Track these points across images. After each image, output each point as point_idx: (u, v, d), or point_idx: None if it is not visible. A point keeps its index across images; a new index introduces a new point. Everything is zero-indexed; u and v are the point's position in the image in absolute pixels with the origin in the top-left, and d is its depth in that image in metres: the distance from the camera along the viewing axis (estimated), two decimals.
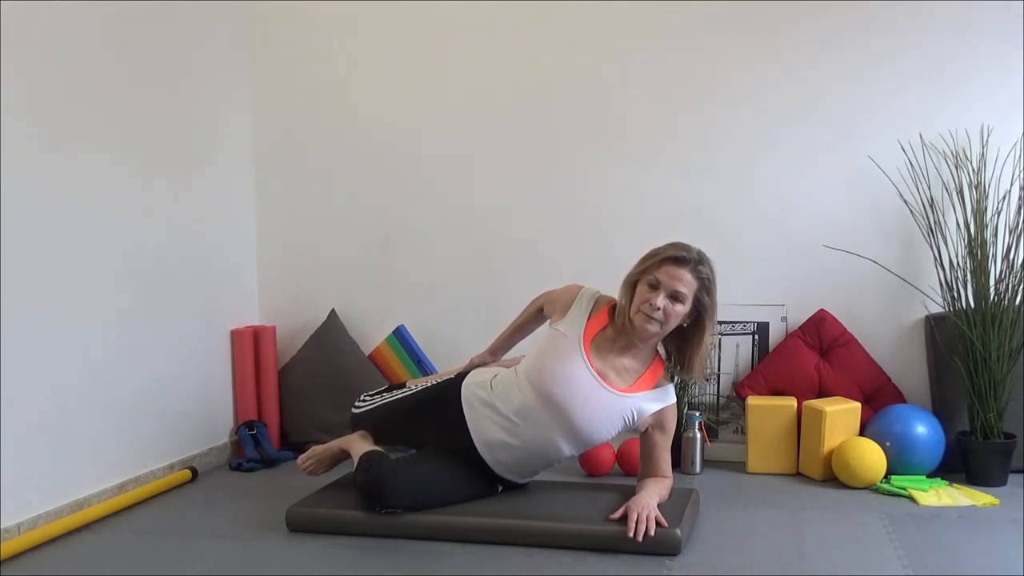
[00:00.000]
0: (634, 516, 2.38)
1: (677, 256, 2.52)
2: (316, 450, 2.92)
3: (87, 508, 2.74)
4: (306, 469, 2.90)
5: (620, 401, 2.56)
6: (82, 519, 2.67)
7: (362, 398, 2.91)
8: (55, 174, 2.69)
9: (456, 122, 3.60)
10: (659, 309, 2.50)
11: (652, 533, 2.35)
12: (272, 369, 3.61)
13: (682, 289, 2.51)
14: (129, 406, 2.98)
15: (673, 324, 2.55)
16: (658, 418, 2.62)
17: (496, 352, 2.93)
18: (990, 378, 3.01)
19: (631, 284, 2.59)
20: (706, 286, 2.54)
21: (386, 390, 2.90)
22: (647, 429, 2.63)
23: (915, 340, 3.32)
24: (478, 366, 2.85)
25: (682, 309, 2.53)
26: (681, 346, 2.64)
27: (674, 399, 2.66)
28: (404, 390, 2.84)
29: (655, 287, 2.51)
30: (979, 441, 3.03)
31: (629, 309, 2.56)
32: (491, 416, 2.59)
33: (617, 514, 2.43)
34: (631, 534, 2.35)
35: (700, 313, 2.56)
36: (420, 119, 3.62)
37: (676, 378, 2.80)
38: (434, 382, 2.82)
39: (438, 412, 2.69)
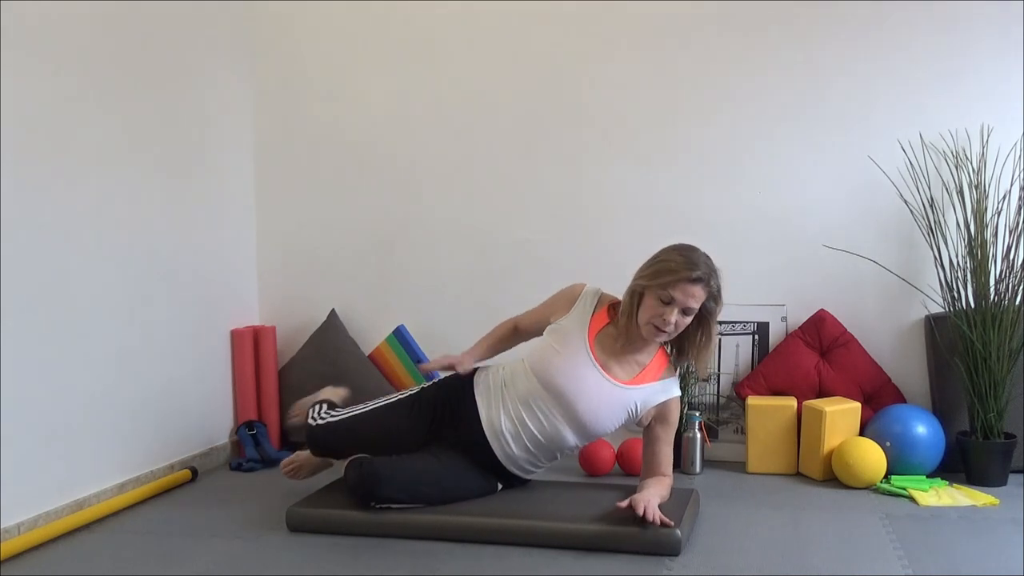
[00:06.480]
0: (640, 505, 2.38)
1: (693, 276, 2.49)
2: (299, 455, 2.95)
3: (87, 508, 2.73)
4: (288, 474, 2.94)
5: (624, 393, 2.58)
6: (82, 519, 2.67)
7: (324, 411, 2.81)
8: (55, 175, 2.69)
9: (456, 122, 3.60)
10: (671, 324, 2.52)
11: (658, 522, 2.35)
12: (272, 369, 3.61)
13: (694, 305, 2.53)
14: (129, 406, 2.98)
15: (679, 331, 2.58)
16: (661, 411, 2.64)
17: (472, 355, 2.80)
18: (990, 378, 3.01)
19: (639, 294, 2.57)
20: (714, 295, 2.56)
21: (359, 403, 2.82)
22: (650, 422, 2.65)
23: (915, 340, 3.31)
24: (449, 367, 2.75)
25: (690, 319, 2.56)
26: (683, 346, 2.67)
27: (678, 392, 2.68)
28: (388, 397, 2.81)
29: (668, 303, 2.51)
30: (979, 441, 3.03)
31: (637, 317, 2.56)
32: (501, 406, 2.61)
33: (624, 503, 2.42)
34: (640, 512, 2.34)
35: (704, 316, 2.58)
36: (420, 119, 3.62)
37: (679, 370, 2.80)
38: (417, 389, 2.80)
39: (447, 404, 2.69)
